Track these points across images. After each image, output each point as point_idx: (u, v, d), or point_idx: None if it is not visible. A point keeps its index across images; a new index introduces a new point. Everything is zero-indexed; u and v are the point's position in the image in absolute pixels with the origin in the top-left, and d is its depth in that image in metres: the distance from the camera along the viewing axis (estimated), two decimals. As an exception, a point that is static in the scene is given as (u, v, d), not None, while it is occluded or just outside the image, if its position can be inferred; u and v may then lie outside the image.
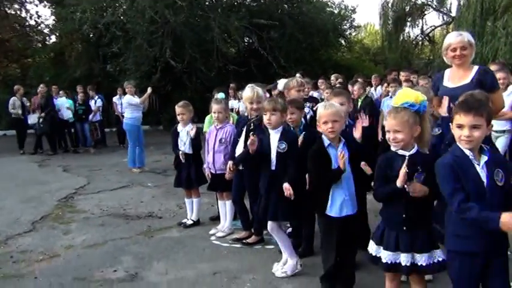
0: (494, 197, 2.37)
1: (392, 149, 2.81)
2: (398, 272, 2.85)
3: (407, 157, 2.70)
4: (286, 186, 3.64)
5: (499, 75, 5.74)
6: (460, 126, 2.43)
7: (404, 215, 2.74)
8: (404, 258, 2.75)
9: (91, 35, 16.81)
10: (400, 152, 2.77)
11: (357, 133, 3.63)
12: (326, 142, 3.34)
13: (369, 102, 7.55)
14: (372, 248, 2.91)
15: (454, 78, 3.85)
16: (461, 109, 2.45)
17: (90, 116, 12.65)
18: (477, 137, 2.39)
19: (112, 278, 3.99)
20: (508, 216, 2.22)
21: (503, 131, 5.73)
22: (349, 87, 7.79)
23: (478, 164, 2.42)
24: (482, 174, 2.40)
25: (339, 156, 3.22)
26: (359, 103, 7.55)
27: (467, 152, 2.43)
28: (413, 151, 2.76)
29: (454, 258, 2.52)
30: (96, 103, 12.80)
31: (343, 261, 3.43)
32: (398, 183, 2.66)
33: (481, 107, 2.44)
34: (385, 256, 2.81)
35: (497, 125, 5.56)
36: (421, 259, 2.73)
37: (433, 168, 2.53)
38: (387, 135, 2.81)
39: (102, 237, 5.08)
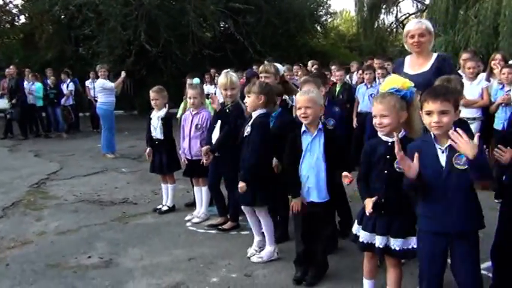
0: (450, 180, 2.46)
1: (379, 134, 2.84)
2: (373, 252, 2.95)
3: (396, 138, 2.56)
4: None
5: (469, 64, 5.90)
6: (429, 113, 2.49)
7: (383, 200, 2.79)
8: (378, 240, 2.85)
9: (62, 17, 16.32)
10: (384, 138, 2.81)
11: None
12: (303, 128, 3.40)
13: (347, 88, 7.65)
14: (355, 226, 3.03)
15: (414, 65, 3.93)
16: (429, 96, 2.51)
17: (62, 100, 12.36)
18: (446, 122, 2.45)
19: (86, 264, 3.97)
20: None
21: (474, 119, 5.89)
22: (333, 72, 7.88)
23: (441, 148, 2.49)
24: (442, 159, 2.48)
25: None
26: (337, 89, 7.62)
27: (433, 137, 2.51)
28: (399, 136, 2.78)
29: (420, 237, 2.66)
30: (68, 87, 12.51)
31: (314, 247, 3.51)
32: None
33: (448, 93, 2.51)
34: (362, 236, 2.92)
35: (467, 112, 5.71)
36: (395, 243, 2.81)
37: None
38: (374, 121, 2.83)
39: (76, 224, 5.02)
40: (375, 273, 3.11)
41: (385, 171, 2.78)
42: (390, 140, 2.78)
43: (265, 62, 7.77)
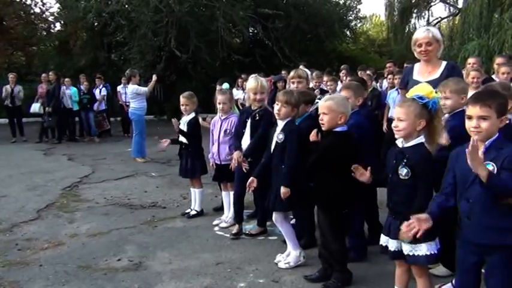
0: (474, 187, 2.39)
1: (396, 136, 2.87)
2: (388, 255, 2.95)
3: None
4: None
5: (503, 69, 5.72)
6: (469, 117, 2.43)
7: (389, 203, 2.90)
8: (391, 244, 2.88)
9: (96, 24, 16.79)
10: (400, 143, 2.85)
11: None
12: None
13: (376, 95, 7.44)
14: (382, 238, 3.01)
15: (424, 72, 3.93)
16: (470, 100, 2.49)
17: (95, 105, 12.65)
18: (485, 128, 2.36)
19: (116, 267, 4.03)
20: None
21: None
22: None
23: None
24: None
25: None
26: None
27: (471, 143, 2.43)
28: (410, 143, 2.79)
29: (458, 245, 2.60)
30: (100, 92, 12.81)
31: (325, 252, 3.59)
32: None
33: (489, 98, 2.41)
34: (382, 239, 2.96)
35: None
36: (404, 248, 2.81)
37: (422, 165, 2.69)
38: (393, 123, 2.88)
39: (107, 226, 5.12)
40: (405, 281, 3.03)
41: (390, 175, 2.84)
42: (401, 145, 2.83)
43: (300, 66, 7.77)
